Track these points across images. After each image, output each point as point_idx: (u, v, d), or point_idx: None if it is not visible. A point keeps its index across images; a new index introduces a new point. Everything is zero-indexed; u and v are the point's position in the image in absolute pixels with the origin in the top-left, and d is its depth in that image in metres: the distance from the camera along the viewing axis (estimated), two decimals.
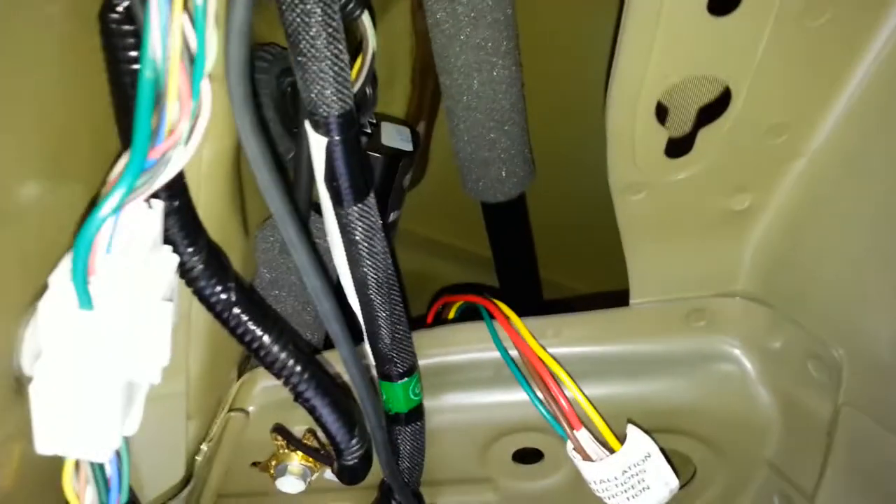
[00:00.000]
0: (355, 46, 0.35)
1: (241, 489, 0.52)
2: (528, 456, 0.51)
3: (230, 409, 0.47)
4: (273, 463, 0.49)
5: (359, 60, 0.34)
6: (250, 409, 0.48)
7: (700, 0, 0.30)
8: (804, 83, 0.34)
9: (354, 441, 0.39)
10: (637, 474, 0.42)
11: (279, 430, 0.48)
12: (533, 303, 0.68)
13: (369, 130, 0.51)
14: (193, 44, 0.23)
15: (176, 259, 0.31)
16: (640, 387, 0.47)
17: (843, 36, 0.32)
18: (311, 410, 0.37)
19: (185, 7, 0.23)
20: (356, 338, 0.36)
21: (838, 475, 0.43)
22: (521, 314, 0.46)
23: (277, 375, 0.36)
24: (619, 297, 0.47)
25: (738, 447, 0.48)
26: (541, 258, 0.67)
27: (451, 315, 0.52)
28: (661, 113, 0.36)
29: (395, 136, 0.53)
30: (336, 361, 0.43)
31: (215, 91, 0.25)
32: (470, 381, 0.47)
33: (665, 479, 0.43)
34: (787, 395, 0.45)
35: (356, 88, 0.35)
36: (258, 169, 0.24)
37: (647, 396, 0.47)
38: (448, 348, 0.47)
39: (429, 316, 0.54)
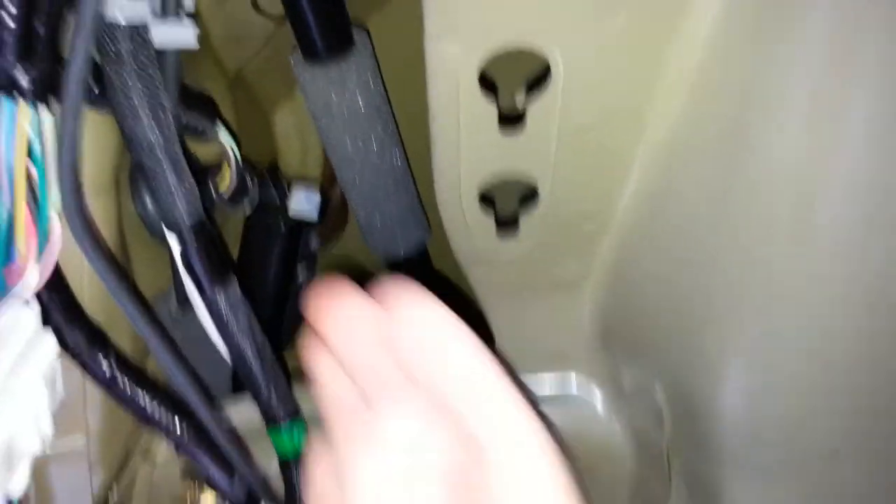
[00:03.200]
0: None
1: None
2: None
3: (140, 457, 0.52)
4: (188, 500, 0.54)
5: (226, 169, 0.40)
6: (160, 453, 0.53)
7: (491, 120, 0.36)
8: (595, 179, 0.40)
9: (234, 484, 0.44)
10: None
11: (188, 471, 0.53)
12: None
13: (277, 201, 0.56)
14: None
15: (55, 343, 0.36)
16: None
17: (616, 144, 0.38)
18: (193, 460, 0.43)
19: (28, 153, 0.28)
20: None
21: (682, 496, 0.49)
22: None
23: (159, 433, 0.42)
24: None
25: (600, 473, 0.54)
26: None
27: None
28: (490, 199, 0.42)
29: (303, 203, 0.58)
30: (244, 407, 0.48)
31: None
32: None
33: None
34: (634, 428, 0.51)
35: (230, 190, 0.41)
36: (104, 282, 0.30)
37: None
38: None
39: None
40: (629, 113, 0.36)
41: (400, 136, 0.52)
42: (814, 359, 0.40)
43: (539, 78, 0.35)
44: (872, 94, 0.30)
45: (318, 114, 0.49)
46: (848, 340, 0.39)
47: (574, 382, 0.53)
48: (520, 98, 0.36)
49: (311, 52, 0.46)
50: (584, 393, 0.53)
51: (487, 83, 0.35)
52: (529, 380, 0.53)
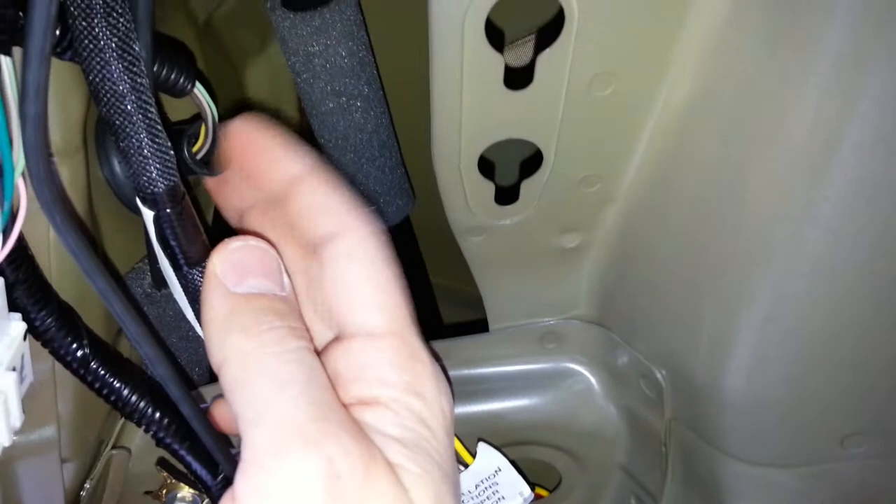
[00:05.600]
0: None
1: None
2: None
3: (113, 447, 0.49)
4: (164, 493, 0.52)
5: (202, 129, 0.37)
6: (134, 444, 0.50)
7: (496, 76, 0.34)
8: (604, 141, 0.38)
9: (219, 480, 0.41)
10: (490, 487, 0.46)
11: (162, 463, 0.50)
12: (429, 320, 0.72)
13: None
14: None
15: (23, 326, 0.33)
16: (502, 404, 0.51)
17: (629, 101, 0.36)
18: (174, 454, 0.40)
19: None
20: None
21: (677, 481, 0.48)
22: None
23: (137, 424, 0.38)
24: (482, 325, 0.51)
25: (594, 455, 0.53)
26: (438, 268, 0.69)
27: None
28: (489, 165, 0.40)
29: None
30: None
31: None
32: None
33: (519, 490, 0.47)
34: (629, 410, 0.49)
35: (203, 154, 0.37)
36: (76, 258, 0.27)
37: (509, 412, 0.51)
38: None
39: None
40: (644, 68, 0.34)
41: (385, 95, 0.50)
42: (819, 342, 0.39)
43: (550, 27, 0.33)
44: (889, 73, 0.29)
45: (298, 67, 0.45)
46: (853, 325, 0.38)
47: (569, 362, 0.51)
48: (527, 50, 0.34)
49: None
50: (579, 373, 0.51)
51: (493, 35, 0.32)
52: (522, 357, 0.51)
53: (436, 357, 0.29)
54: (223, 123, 0.35)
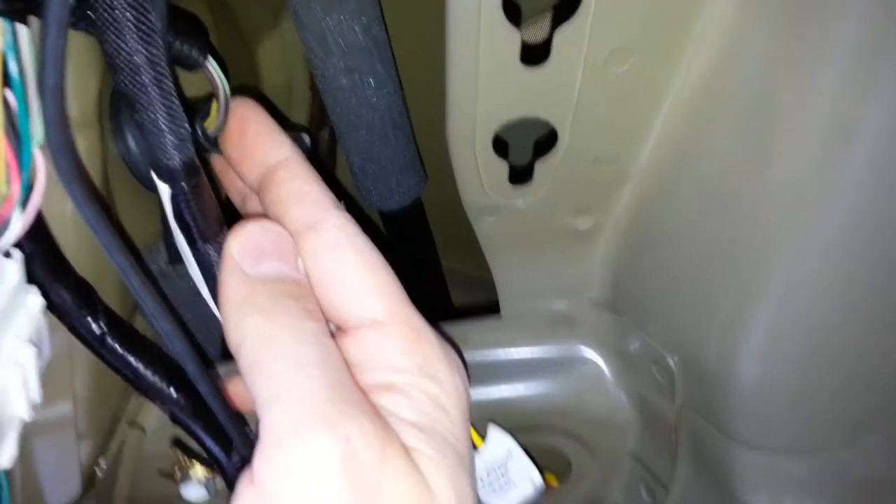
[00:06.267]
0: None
1: (154, 494, 0.54)
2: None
3: (128, 425, 0.49)
4: (177, 471, 0.52)
5: (214, 105, 0.36)
6: (149, 423, 0.50)
7: (513, 53, 0.33)
8: (620, 119, 0.37)
9: (232, 457, 0.41)
10: (499, 469, 0.46)
11: (177, 443, 0.50)
12: (440, 302, 0.71)
13: None
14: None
15: (40, 300, 0.33)
16: (512, 388, 0.51)
17: (646, 78, 0.36)
18: (189, 432, 0.40)
19: (5, 82, 0.25)
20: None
21: (687, 468, 0.48)
22: (428, 316, 0.49)
23: (153, 400, 0.39)
24: (492, 307, 0.51)
25: (604, 442, 0.53)
26: (450, 250, 0.69)
27: None
28: (503, 145, 0.40)
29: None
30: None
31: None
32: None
33: (529, 475, 0.47)
34: (640, 396, 0.49)
35: (214, 129, 0.37)
36: (95, 232, 0.27)
37: (520, 397, 0.51)
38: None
39: None
40: (662, 42, 0.34)
41: (398, 73, 0.49)
42: (832, 330, 0.39)
43: (567, 2, 0.32)
44: None
45: (312, 45, 0.45)
46: (866, 313, 0.38)
47: (580, 347, 0.51)
48: (544, 26, 0.34)
49: None
50: (590, 359, 0.51)
51: (510, 10, 0.32)
52: (533, 342, 0.51)
53: (445, 337, 0.29)
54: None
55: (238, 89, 0.36)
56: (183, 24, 0.33)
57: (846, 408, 0.42)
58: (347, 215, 0.30)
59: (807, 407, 0.42)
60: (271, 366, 0.26)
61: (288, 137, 0.33)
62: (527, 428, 0.50)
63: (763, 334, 0.40)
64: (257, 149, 0.32)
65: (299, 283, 0.29)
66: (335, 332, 0.29)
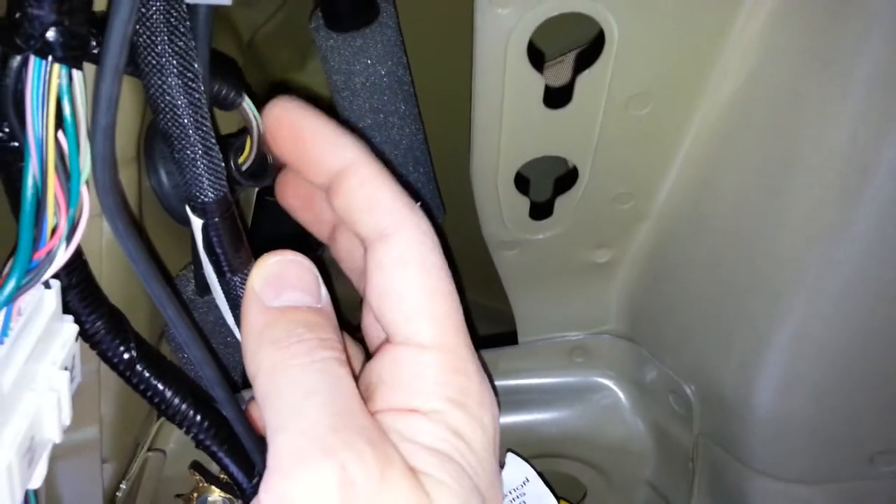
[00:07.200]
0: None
1: None
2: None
3: (149, 449, 0.50)
4: (195, 496, 0.53)
5: (248, 143, 0.38)
6: (169, 447, 0.51)
7: (536, 96, 0.35)
8: (639, 160, 0.39)
9: (255, 482, 0.42)
10: (517, 498, 0.46)
11: (196, 466, 0.51)
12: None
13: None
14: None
15: (75, 328, 0.34)
16: (530, 416, 0.52)
17: (665, 121, 0.37)
18: (212, 456, 0.41)
19: (58, 124, 0.26)
20: None
21: (704, 497, 0.48)
22: None
23: (179, 426, 0.40)
24: (510, 337, 0.52)
25: (621, 470, 0.53)
26: (469, 283, 0.69)
27: None
28: (524, 182, 0.41)
29: None
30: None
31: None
32: None
33: (546, 502, 0.47)
34: (657, 425, 0.50)
35: (247, 165, 0.38)
36: (135, 264, 0.28)
37: (537, 425, 0.52)
38: None
39: None
40: (681, 87, 0.35)
41: (420, 112, 0.51)
42: (849, 360, 0.39)
43: (590, 49, 0.34)
44: None
45: (338, 85, 0.47)
46: (884, 344, 0.39)
47: (598, 376, 0.52)
48: (566, 69, 0.35)
49: (334, 19, 0.44)
50: (607, 387, 0.52)
51: (534, 55, 0.33)
52: (551, 371, 0.52)
53: (484, 367, 0.29)
54: (262, 110, 0.34)
55: (278, 87, 0.37)
56: (221, 67, 0.35)
57: (864, 438, 0.43)
58: (424, 224, 0.29)
59: (825, 436, 0.42)
60: (280, 395, 0.26)
61: (350, 136, 0.30)
62: (544, 455, 0.51)
63: (780, 365, 0.40)
64: (316, 155, 0.31)
65: (318, 312, 0.29)
66: (384, 340, 0.29)
